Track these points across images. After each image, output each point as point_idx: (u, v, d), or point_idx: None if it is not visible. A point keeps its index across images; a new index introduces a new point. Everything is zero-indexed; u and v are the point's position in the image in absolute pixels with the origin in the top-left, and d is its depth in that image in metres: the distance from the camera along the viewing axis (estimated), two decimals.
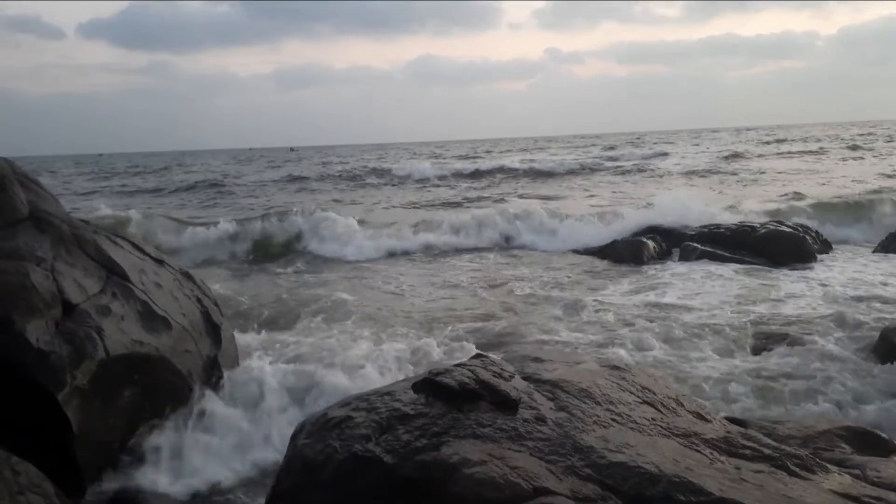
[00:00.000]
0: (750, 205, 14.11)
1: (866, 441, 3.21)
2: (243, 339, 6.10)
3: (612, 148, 49.58)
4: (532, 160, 35.42)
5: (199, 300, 5.20)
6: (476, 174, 30.41)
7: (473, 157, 45.14)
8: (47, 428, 3.64)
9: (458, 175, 30.24)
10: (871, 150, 34.29)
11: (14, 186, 4.40)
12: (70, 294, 4.01)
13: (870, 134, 51.99)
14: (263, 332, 6.53)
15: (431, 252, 12.54)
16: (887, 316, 6.28)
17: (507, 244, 13.05)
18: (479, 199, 20.72)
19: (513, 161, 35.10)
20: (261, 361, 5.31)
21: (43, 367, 3.59)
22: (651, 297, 7.69)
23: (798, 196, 15.83)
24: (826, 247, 10.65)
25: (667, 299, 7.50)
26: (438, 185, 27.24)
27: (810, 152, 34.27)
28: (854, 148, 35.99)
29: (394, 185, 28.09)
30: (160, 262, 5.27)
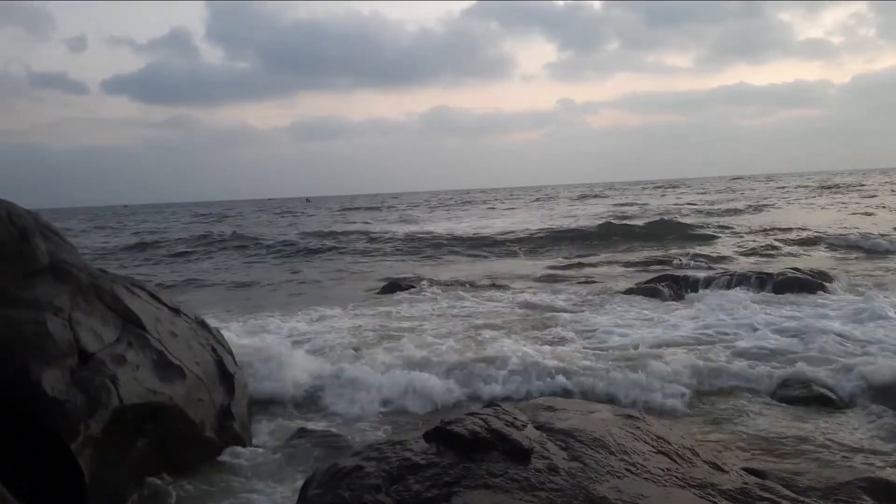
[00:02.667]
0: None
1: (889, 493, 3.13)
2: None
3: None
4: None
5: (213, 349, 5.23)
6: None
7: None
8: (60, 475, 3.63)
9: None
10: None
11: (35, 237, 4.50)
12: (86, 343, 4.06)
13: None
14: None
15: None
16: None
17: None
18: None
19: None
20: None
21: (57, 416, 3.61)
22: None
23: None
24: None
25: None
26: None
27: None
28: None
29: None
30: (176, 310, 5.32)
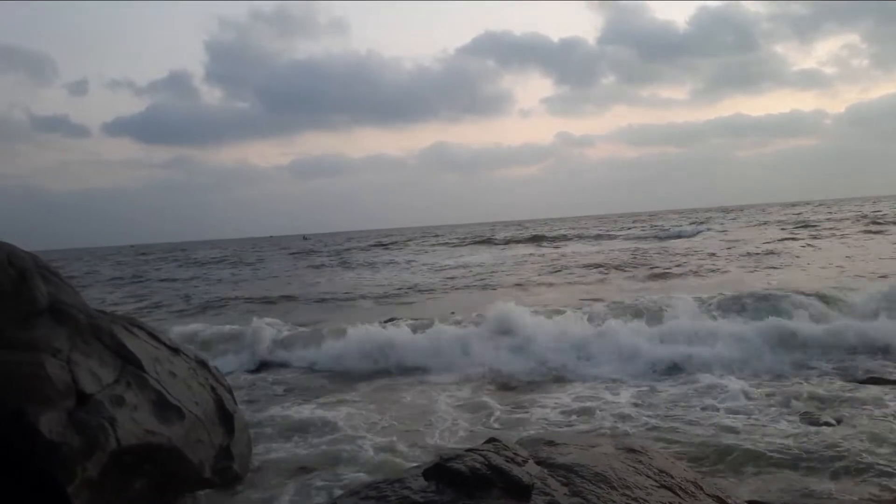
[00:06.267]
0: None
1: None
2: None
3: None
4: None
5: (213, 389, 5.18)
6: None
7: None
8: None
9: None
10: None
11: (35, 279, 4.51)
12: (84, 384, 4.03)
13: None
14: None
15: None
16: None
17: None
18: None
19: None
20: None
21: (54, 459, 3.58)
22: None
23: None
24: None
25: None
26: None
27: None
28: None
29: None
30: (176, 350, 5.30)
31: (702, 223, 45.98)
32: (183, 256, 52.47)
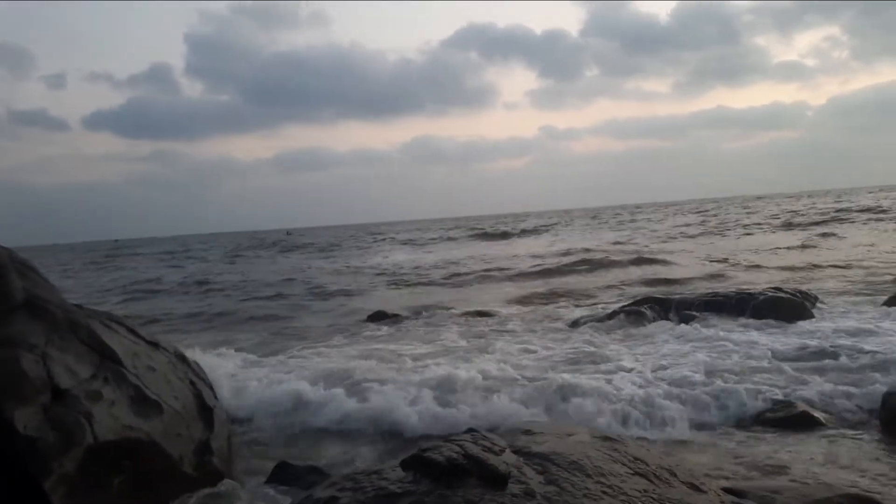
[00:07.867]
0: None
1: None
2: None
3: None
4: None
5: (192, 383, 5.17)
6: None
7: None
8: None
9: None
10: None
11: (10, 274, 4.46)
12: (60, 379, 4.00)
13: None
14: None
15: None
16: None
17: None
18: None
19: None
20: None
21: (29, 455, 3.56)
22: None
23: None
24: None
25: None
26: None
27: None
28: None
29: None
30: (155, 344, 5.27)
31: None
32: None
